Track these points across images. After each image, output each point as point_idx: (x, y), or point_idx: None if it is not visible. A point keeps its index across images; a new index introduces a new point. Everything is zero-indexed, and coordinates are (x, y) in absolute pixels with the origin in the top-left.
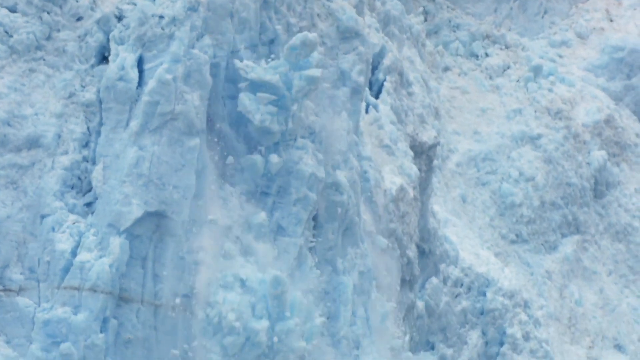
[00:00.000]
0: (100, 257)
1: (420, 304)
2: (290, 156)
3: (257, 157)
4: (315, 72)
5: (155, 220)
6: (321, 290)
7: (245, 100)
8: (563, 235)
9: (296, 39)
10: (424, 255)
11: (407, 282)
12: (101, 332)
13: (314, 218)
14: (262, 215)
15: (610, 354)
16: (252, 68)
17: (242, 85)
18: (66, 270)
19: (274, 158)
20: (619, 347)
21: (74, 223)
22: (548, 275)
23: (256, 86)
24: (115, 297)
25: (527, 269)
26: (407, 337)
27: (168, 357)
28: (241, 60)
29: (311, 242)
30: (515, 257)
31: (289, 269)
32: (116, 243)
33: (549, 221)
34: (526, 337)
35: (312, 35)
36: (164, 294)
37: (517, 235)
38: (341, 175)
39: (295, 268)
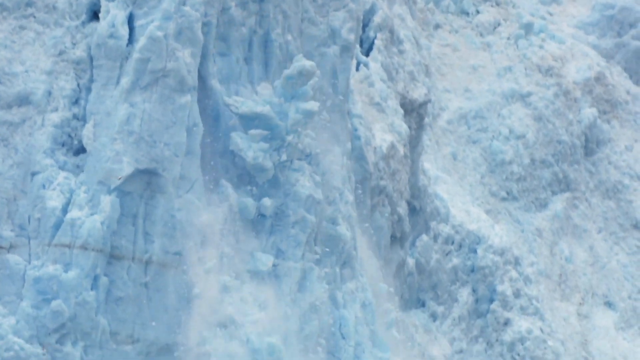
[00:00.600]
0: (91, 214)
1: (410, 262)
2: (287, 178)
3: (248, 201)
4: (312, 105)
5: (146, 178)
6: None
7: (237, 138)
8: (553, 193)
9: (294, 69)
10: (414, 212)
11: (397, 240)
12: (92, 289)
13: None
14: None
15: (600, 311)
16: (242, 102)
17: (233, 122)
18: (57, 227)
19: (266, 202)
20: (608, 304)
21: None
22: (538, 232)
23: (248, 119)
24: (106, 255)
25: (518, 226)
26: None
27: (159, 314)
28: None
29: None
30: (506, 215)
31: (290, 292)
32: (107, 200)
33: (539, 179)
34: (516, 294)
35: (309, 65)
36: (154, 252)
37: (507, 193)
38: (338, 211)
39: (297, 291)
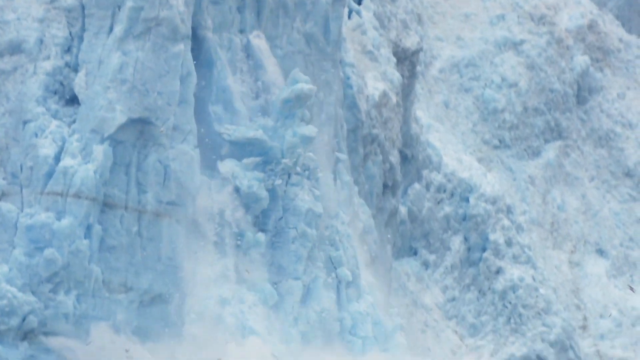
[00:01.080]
0: (85, 163)
1: (402, 210)
2: (285, 193)
3: (249, 235)
4: (311, 130)
5: (139, 127)
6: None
7: (226, 167)
8: (546, 141)
9: (291, 92)
10: (406, 160)
11: (389, 188)
12: (85, 238)
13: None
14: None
15: (591, 259)
16: (234, 130)
17: (225, 150)
18: (49, 175)
19: (260, 237)
20: (600, 252)
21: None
22: (531, 180)
23: (241, 146)
24: (99, 204)
25: (510, 175)
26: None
27: (152, 263)
28: None
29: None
30: (498, 163)
31: (293, 312)
32: (99, 150)
33: (532, 127)
34: (509, 243)
35: (308, 88)
36: (148, 201)
37: (500, 141)
38: (336, 232)
39: (299, 308)
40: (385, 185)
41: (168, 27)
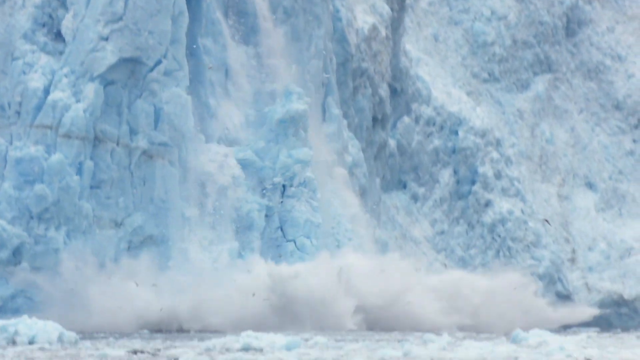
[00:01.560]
0: (76, 101)
1: (392, 143)
2: (283, 205)
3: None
4: (306, 154)
5: (130, 67)
6: None
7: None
8: (535, 74)
9: (286, 113)
10: (395, 94)
11: (378, 121)
12: (76, 174)
13: None
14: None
15: (580, 192)
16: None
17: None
18: (38, 109)
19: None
20: (589, 185)
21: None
22: (519, 113)
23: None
24: (90, 141)
25: (499, 108)
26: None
27: (144, 204)
28: None
29: None
30: (487, 96)
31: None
32: (90, 88)
33: (521, 60)
34: (497, 176)
35: (302, 109)
36: (139, 141)
37: (489, 74)
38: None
39: None
40: (374, 119)
41: None
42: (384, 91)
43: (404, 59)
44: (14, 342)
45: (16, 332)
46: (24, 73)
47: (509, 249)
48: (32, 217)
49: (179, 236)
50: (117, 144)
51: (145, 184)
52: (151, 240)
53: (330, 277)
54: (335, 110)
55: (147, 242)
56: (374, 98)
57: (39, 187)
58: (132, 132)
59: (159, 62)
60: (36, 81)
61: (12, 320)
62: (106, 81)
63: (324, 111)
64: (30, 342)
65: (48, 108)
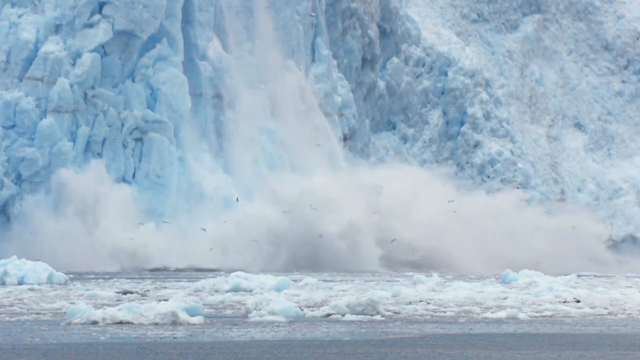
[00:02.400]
0: (67, 73)
1: (381, 84)
2: None
3: None
4: None
5: (124, 39)
6: None
7: None
8: (524, 14)
9: None
10: (385, 35)
11: (368, 62)
12: (69, 140)
13: None
14: None
15: (569, 133)
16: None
17: None
18: (29, 61)
19: None
20: (578, 126)
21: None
22: (509, 54)
23: None
24: (82, 112)
25: (488, 49)
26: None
27: (140, 179)
28: None
29: None
30: (477, 37)
31: None
32: (86, 58)
33: (510, 0)
34: (487, 117)
35: None
36: (133, 117)
37: (478, 15)
38: None
39: None
40: (364, 60)
41: None
42: (373, 32)
43: None
44: (3, 283)
45: (5, 273)
46: (16, 26)
47: (498, 189)
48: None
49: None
50: (111, 114)
51: (143, 158)
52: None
53: None
54: (325, 51)
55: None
56: (364, 39)
57: (29, 151)
58: (127, 107)
59: (153, 37)
60: (28, 32)
61: (2, 261)
62: (101, 53)
63: (313, 52)
64: (20, 283)
65: (39, 61)
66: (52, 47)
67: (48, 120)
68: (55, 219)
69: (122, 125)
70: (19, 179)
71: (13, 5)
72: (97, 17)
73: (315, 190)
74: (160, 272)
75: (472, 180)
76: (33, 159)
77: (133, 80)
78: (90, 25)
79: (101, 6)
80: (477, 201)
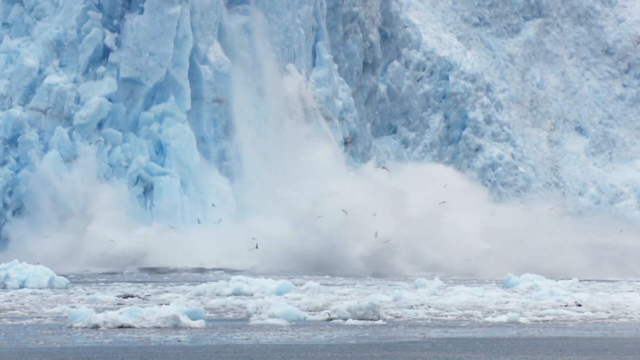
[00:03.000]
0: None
1: (382, 88)
2: None
3: None
4: None
5: (129, 87)
6: None
7: None
8: (525, 19)
9: None
10: (386, 39)
11: (369, 66)
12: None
13: None
14: None
15: (570, 136)
16: None
17: None
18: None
19: None
20: (579, 130)
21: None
22: (510, 58)
23: None
24: (83, 155)
25: (490, 53)
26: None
27: (147, 219)
28: None
29: None
30: (478, 41)
31: None
32: (95, 102)
33: (512, 4)
34: (488, 121)
35: None
36: (140, 170)
37: (479, 19)
38: None
39: None
40: (365, 63)
41: None
42: (374, 36)
43: (394, 3)
44: (4, 287)
45: (7, 277)
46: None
47: (499, 193)
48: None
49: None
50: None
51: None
52: None
53: None
54: (326, 55)
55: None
56: (365, 43)
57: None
58: (135, 156)
59: (159, 86)
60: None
61: (3, 265)
62: (107, 98)
63: (314, 56)
64: (21, 286)
65: (43, 91)
66: (57, 78)
67: (52, 154)
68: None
69: (126, 167)
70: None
71: (13, 37)
72: (102, 69)
73: (332, 197)
74: (163, 275)
75: (472, 184)
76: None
77: (137, 134)
78: (95, 77)
79: (107, 53)
80: (513, 212)
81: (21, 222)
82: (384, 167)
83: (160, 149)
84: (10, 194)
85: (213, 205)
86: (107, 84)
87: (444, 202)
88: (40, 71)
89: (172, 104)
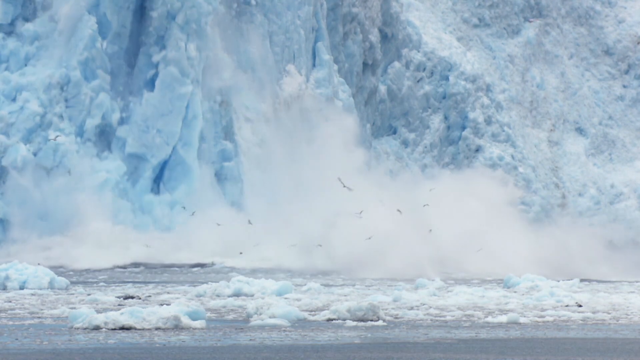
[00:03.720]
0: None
1: (382, 88)
2: None
3: None
4: None
5: (134, 162)
6: None
7: None
8: (525, 19)
9: None
10: (386, 39)
11: (369, 67)
12: None
13: None
14: None
15: (571, 137)
16: None
17: None
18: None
19: None
20: (579, 130)
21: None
22: (510, 59)
23: None
24: None
25: (490, 53)
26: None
27: None
28: None
29: None
30: (478, 42)
31: None
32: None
33: (512, 5)
34: (488, 121)
35: None
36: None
37: (479, 19)
38: None
39: None
40: (365, 64)
41: (177, 67)
42: (374, 36)
43: (394, 4)
44: (4, 287)
45: (7, 277)
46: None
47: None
48: None
49: None
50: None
51: None
52: None
53: None
54: (326, 56)
55: None
56: (365, 43)
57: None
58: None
59: (165, 163)
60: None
61: (3, 265)
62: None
63: (314, 56)
64: (21, 287)
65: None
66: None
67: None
68: None
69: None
70: None
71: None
72: (106, 153)
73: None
74: (165, 276)
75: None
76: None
77: (142, 212)
78: (99, 157)
79: (114, 127)
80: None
81: None
82: (399, 211)
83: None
84: None
85: (184, 208)
86: (111, 160)
87: (399, 211)
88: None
89: (182, 195)
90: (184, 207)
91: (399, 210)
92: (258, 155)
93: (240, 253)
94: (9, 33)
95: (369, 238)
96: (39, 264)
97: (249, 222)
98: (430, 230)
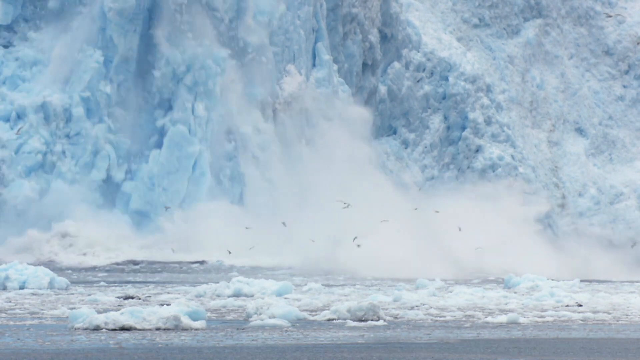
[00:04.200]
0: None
1: (382, 89)
2: None
3: None
4: None
5: (137, 218)
6: None
7: None
8: (525, 19)
9: None
10: (386, 39)
11: (368, 67)
12: None
13: None
14: None
15: (570, 137)
16: None
17: None
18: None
19: None
20: (579, 131)
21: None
22: (510, 59)
23: None
24: None
25: (490, 54)
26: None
27: None
28: None
29: None
30: (478, 42)
31: None
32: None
33: (512, 5)
34: (488, 122)
35: None
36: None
37: (479, 20)
38: None
39: None
40: (364, 64)
41: (186, 126)
42: (374, 37)
43: (394, 4)
44: (4, 287)
45: (7, 277)
46: None
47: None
48: None
49: None
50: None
51: None
52: None
53: None
54: (326, 56)
55: None
56: (364, 44)
57: None
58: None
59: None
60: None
61: (3, 266)
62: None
63: (314, 56)
64: (21, 287)
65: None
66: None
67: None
68: None
69: None
70: None
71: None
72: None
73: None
74: (167, 276)
75: (472, 185)
76: None
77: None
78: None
79: (119, 183)
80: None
81: None
82: (385, 221)
83: None
84: None
85: (166, 208)
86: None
87: (386, 221)
88: None
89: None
90: (166, 208)
91: (459, 229)
92: (258, 156)
93: (229, 252)
94: None
95: (355, 238)
96: (39, 264)
97: (246, 228)
98: (460, 228)
